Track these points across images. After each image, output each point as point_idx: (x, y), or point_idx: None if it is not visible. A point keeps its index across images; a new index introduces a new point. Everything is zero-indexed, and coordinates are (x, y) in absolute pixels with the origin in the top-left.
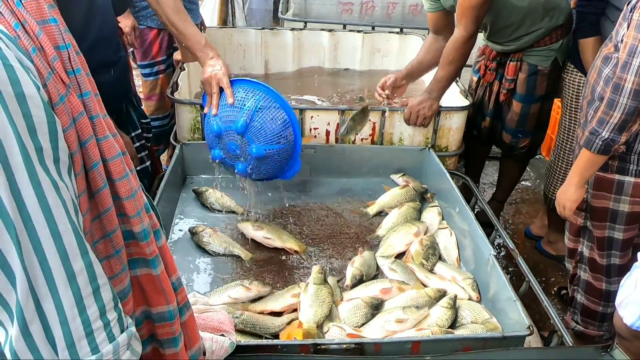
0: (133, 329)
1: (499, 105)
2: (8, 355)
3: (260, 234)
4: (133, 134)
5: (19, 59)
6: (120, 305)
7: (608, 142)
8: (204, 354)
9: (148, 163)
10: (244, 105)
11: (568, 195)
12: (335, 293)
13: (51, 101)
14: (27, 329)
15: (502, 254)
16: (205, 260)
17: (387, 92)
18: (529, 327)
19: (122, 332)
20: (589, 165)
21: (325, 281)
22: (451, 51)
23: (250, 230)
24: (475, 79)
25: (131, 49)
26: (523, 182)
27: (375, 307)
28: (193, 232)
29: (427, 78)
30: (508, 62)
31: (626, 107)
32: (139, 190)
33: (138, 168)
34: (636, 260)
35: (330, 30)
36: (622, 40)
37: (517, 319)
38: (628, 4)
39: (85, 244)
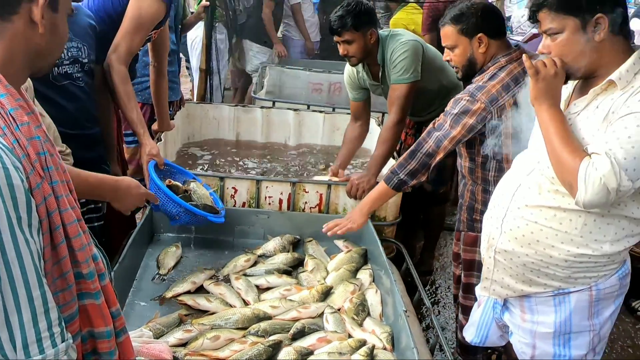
0: (71, 341)
1: None
2: None
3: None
4: None
5: (13, 163)
6: (63, 323)
7: (402, 182)
8: None
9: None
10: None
11: (353, 217)
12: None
13: (30, 188)
14: None
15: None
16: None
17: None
18: None
19: (62, 342)
20: (381, 196)
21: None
22: (384, 133)
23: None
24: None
25: None
26: None
27: (305, 354)
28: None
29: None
30: (423, 127)
31: (421, 160)
32: (89, 245)
33: (92, 206)
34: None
35: (295, 110)
36: None
37: None
38: None
39: (43, 279)
